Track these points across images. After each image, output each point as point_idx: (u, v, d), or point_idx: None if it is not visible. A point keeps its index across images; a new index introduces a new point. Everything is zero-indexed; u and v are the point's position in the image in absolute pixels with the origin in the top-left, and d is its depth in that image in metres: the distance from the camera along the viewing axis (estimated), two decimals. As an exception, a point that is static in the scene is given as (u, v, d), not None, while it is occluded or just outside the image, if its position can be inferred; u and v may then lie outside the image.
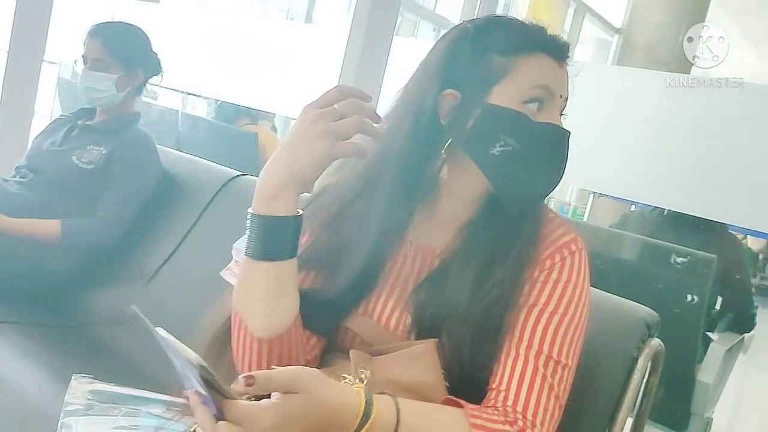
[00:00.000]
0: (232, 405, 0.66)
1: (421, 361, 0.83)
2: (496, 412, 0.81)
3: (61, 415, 1.09)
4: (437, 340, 0.85)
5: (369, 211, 0.90)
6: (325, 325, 0.93)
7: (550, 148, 0.89)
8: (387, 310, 0.91)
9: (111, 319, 1.66)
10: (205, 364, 0.64)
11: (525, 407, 0.81)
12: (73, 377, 1.19)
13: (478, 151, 0.88)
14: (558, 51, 0.91)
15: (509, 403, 0.82)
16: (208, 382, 0.65)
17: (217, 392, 0.66)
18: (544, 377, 0.83)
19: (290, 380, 0.68)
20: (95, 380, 1.19)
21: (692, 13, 5.64)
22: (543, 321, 0.86)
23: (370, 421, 0.71)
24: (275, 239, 0.81)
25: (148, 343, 1.53)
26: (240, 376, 0.66)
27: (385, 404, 0.74)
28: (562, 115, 0.92)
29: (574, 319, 0.87)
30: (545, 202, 0.97)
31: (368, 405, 0.72)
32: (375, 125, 0.82)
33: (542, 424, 0.81)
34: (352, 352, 0.83)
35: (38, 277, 1.74)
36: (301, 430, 0.68)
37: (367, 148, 0.83)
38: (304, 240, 0.91)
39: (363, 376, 0.81)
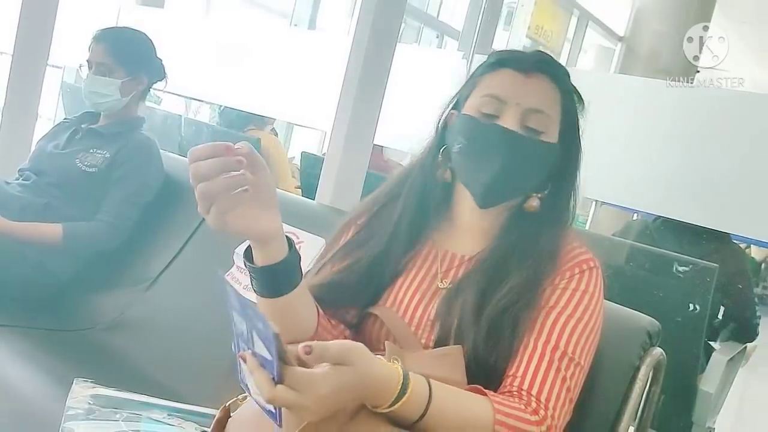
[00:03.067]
0: (291, 371, 0.70)
1: (448, 361, 0.91)
2: (514, 399, 0.88)
3: (63, 419, 1.10)
4: (461, 346, 0.93)
5: (396, 209, 1.06)
6: (350, 309, 1.03)
7: (490, 144, 1.00)
8: (413, 303, 1.02)
9: (113, 323, 1.67)
10: (278, 331, 0.68)
11: (539, 392, 0.89)
12: (74, 381, 1.19)
13: (451, 152, 1.05)
14: (524, 64, 1.02)
15: (524, 387, 0.90)
16: (276, 349, 0.70)
17: (280, 358, 0.70)
18: (558, 369, 0.91)
19: (343, 353, 0.74)
20: (97, 385, 1.19)
21: (695, 21, 5.64)
22: (561, 322, 0.94)
23: (407, 394, 0.78)
24: (268, 282, 0.88)
25: (149, 347, 1.54)
26: (300, 345, 0.71)
27: (419, 380, 0.81)
28: (530, 130, 0.99)
29: (589, 324, 0.95)
30: (571, 224, 1.06)
31: (405, 379, 0.79)
32: (238, 160, 0.80)
33: (554, 409, 0.88)
34: (386, 344, 0.90)
35: (40, 280, 1.75)
36: (349, 398, 0.75)
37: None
38: (349, 235, 1.08)
39: (395, 365, 0.86)
